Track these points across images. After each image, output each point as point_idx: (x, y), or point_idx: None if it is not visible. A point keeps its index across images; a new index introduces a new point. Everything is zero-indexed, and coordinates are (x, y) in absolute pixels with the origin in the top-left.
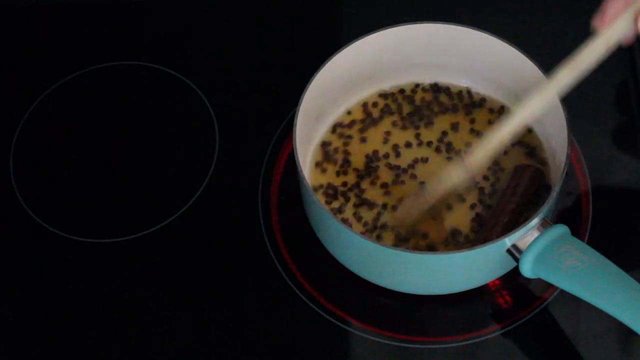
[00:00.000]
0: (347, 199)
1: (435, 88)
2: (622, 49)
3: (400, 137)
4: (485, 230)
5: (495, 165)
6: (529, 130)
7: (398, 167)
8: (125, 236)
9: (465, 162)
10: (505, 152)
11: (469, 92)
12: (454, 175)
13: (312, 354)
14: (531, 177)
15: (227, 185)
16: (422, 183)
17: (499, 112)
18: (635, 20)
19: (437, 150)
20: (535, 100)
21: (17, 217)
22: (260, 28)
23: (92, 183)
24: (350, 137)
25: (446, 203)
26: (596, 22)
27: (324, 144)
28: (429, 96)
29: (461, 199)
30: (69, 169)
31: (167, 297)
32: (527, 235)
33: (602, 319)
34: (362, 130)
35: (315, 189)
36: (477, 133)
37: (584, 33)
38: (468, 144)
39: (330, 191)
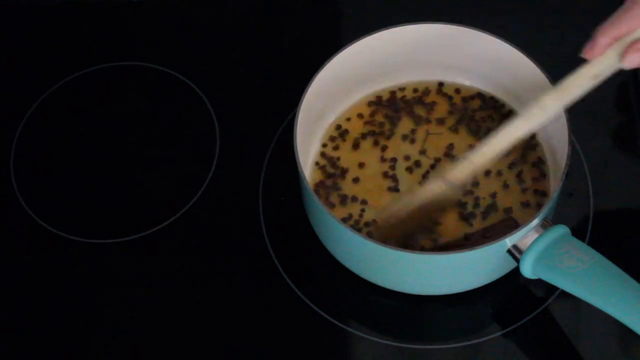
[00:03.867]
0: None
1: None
2: None
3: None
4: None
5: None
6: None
7: (395, 160)
8: (126, 236)
9: (446, 177)
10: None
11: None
12: (434, 187)
13: (312, 354)
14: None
15: (228, 185)
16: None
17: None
18: (622, 54)
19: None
20: (519, 125)
21: (17, 217)
22: (260, 28)
23: (93, 183)
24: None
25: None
26: (586, 52)
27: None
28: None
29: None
30: (69, 170)
31: (167, 297)
32: (527, 235)
33: (602, 319)
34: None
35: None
36: (476, 132)
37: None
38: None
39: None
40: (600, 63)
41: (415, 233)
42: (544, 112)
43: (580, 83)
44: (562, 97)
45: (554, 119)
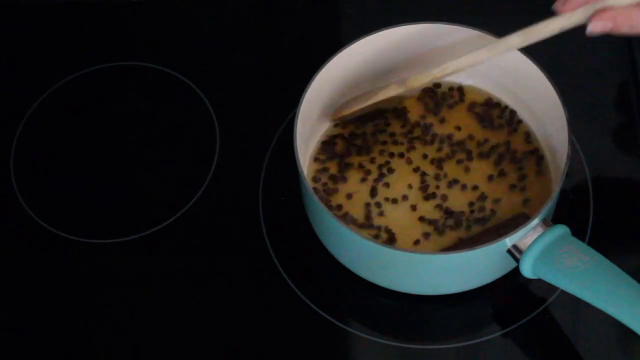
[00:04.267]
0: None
1: (437, 87)
2: (622, 48)
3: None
4: None
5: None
6: (529, 131)
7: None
8: (126, 236)
9: (405, 83)
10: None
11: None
12: (393, 91)
13: (312, 354)
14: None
15: (228, 185)
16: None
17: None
18: (590, 18)
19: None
20: (481, 53)
21: (17, 217)
22: (260, 28)
23: (93, 183)
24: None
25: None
26: (558, 6)
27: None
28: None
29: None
30: (69, 170)
31: (167, 297)
32: (527, 235)
33: (602, 319)
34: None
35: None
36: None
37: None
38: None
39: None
40: (568, 19)
41: (366, 121)
42: (505, 46)
43: (544, 30)
44: (525, 39)
45: (507, 53)
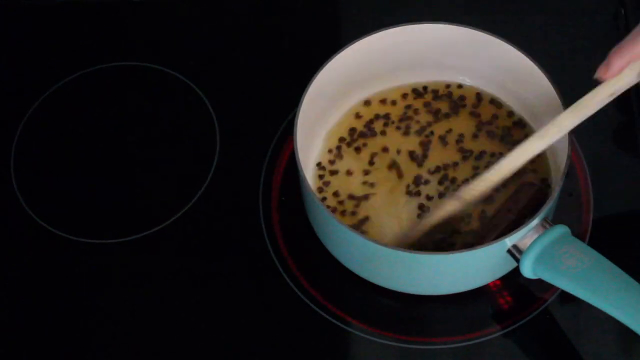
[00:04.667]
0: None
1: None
2: None
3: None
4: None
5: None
6: (529, 132)
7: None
8: (127, 237)
9: (461, 195)
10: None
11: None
12: (449, 207)
13: (312, 354)
14: (533, 197)
15: (228, 185)
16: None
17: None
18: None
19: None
20: (535, 143)
21: (17, 217)
22: (260, 28)
23: (93, 183)
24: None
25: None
26: (601, 74)
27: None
28: (428, 96)
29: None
30: (69, 170)
31: (167, 297)
32: (527, 235)
33: (602, 319)
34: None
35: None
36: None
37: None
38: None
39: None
40: (617, 82)
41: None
42: (560, 130)
43: (596, 101)
44: (578, 116)
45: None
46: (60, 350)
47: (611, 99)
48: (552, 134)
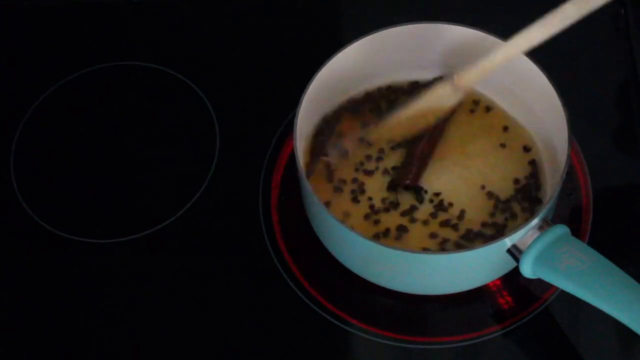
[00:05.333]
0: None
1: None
2: (622, 48)
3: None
4: (406, 157)
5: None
6: (529, 131)
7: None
8: (126, 236)
9: (454, 81)
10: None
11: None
12: (441, 92)
13: (312, 354)
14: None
15: (228, 185)
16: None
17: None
18: None
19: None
20: (536, 31)
21: (17, 217)
22: (260, 28)
23: (93, 183)
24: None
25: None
26: None
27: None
28: None
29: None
30: (69, 169)
31: (167, 297)
32: (527, 235)
33: (602, 319)
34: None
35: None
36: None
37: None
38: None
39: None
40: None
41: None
42: (563, 19)
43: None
44: (585, 7)
45: (568, 25)
46: (60, 350)
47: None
48: (554, 22)
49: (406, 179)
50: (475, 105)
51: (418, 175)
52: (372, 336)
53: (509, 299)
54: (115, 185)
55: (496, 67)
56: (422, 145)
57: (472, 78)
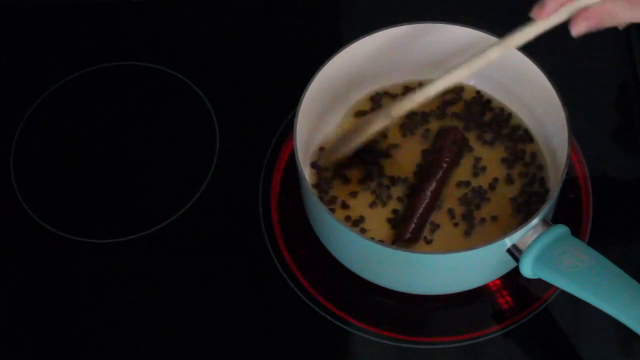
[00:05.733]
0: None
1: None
2: (622, 48)
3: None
4: (408, 211)
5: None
6: (528, 130)
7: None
8: (126, 236)
9: (389, 112)
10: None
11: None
12: (376, 122)
13: (312, 354)
14: (453, 141)
15: (228, 185)
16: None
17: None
18: (571, 23)
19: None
20: (462, 70)
21: (17, 217)
22: (260, 28)
23: (93, 183)
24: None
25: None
26: (535, 14)
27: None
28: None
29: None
30: (69, 169)
31: (167, 297)
32: (527, 235)
33: (602, 319)
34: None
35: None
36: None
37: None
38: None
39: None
40: (547, 23)
41: (351, 164)
42: (487, 61)
43: (524, 38)
44: (504, 50)
45: (506, 54)
46: (60, 350)
47: (537, 35)
48: (478, 64)
49: (406, 234)
50: (478, 95)
51: (419, 231)
52: (372, 336)
53: (509, 299)
54: (115, 185)
55: (426, 100)
56: (425, 201)
57: (403, 110)
